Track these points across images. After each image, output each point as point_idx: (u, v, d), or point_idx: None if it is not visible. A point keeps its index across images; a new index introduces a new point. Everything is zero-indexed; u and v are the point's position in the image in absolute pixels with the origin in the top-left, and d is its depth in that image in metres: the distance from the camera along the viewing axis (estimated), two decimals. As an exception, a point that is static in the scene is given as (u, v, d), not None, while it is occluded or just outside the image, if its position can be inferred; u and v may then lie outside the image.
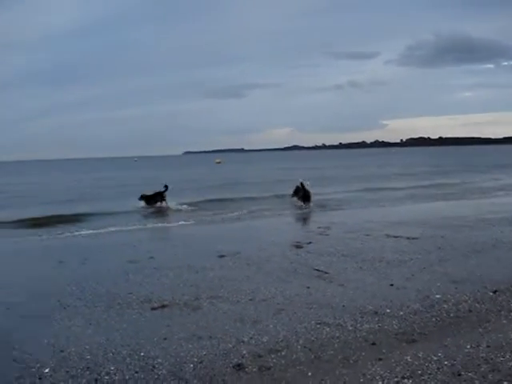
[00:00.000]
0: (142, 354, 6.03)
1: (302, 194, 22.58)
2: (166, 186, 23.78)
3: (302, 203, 22.34)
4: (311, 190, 22.78)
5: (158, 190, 23.91)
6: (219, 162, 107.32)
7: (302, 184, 22.83)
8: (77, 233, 16.58)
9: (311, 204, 22.27)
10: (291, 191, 23.29)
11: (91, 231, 16.79)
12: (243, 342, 6.28)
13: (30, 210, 23.54)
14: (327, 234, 14.09)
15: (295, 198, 22.88)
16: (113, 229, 17.14)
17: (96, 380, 5.39)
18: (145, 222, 19.08)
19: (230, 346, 6.17)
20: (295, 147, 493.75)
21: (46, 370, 5.68)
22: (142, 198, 23.76)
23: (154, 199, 23.67)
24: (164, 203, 23.61)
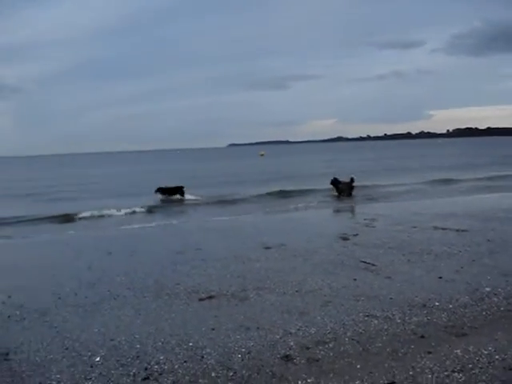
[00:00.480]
0: (191, 343, 6.10)
1: (342, 186, 22.72)
2: (182, 189, 24.97)
3: (340, 195, 22.46)
4: (354, 183, 22.85)
5: (177, 185, 25.07)
6: (263, 155, 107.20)
7: (351, 179, 23.16)
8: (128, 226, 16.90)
9: (351, 196, 22.32)
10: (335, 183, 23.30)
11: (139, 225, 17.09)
12: (290, 333, 6.29)
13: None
14: (374, 226, 13.97)
15: (334, 190, 22.98)
16: (162, 222, 17.39)
17: (146, 369, 5.48)
18: (191, 215, 19.24)
19: (278, 337, 6.19)
20: (339, 138, 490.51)
21: (97, 359, 5.79)
22: (159, 190, 24.88)
23: (172, 192, 24.73)
24: (183, 196, 24.68)
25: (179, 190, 24.66)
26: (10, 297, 8.35)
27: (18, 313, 7.55)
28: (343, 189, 23.03)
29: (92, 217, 19.79)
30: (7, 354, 6.01)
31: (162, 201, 24.31)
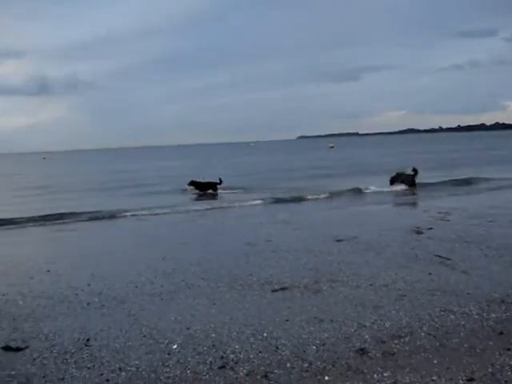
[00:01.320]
0: (265, 334, 6.15)
1: (405, 178, 22.44)
2: (221, 181, 25.07)
3: (404, 187, 22.15)
4: (417, 174, 22.57)
5: (212, 180, 25.34)
6: (332, 147, 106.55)
7: (414, 169, 22.94)
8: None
9: (415, 188, 22.03)
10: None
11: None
12: (365, 326, 6.25)
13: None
14: (448, 220, 13.66)
15: (395, 183, 22.69)
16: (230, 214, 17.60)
17: (222, 357, 5.56)
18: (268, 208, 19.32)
19: (352, 330, 6.16)
20: (411, 130, 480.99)
21: (174, 346, 5.92)
22: (192, 183, 25.28)
23: (205, 187, 25.09)
24: (215, 191, 24.92)
25: (213, 186, 25.02)
26: (89, 285, 8.63)
27: (96, 300, 7.80)
28: (406, 181, 22.68)
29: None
30: (88, 340, 6.22)
31: (199, 194, 24.70)
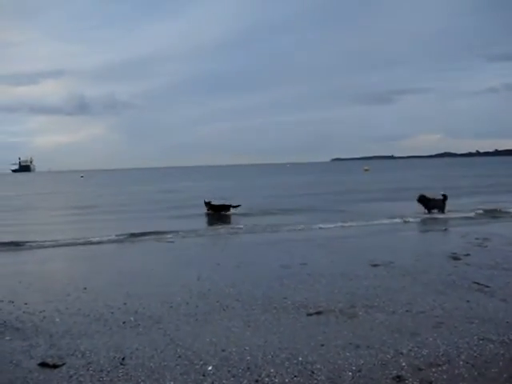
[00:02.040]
0: (300, 358, 6.11)
1: (434, 202, 22.33)
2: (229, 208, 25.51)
3: (430, 212, 21.97)
4: (446, 200, 22.68)
5: (226, 203, 25.89)
6: (367, 170, 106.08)
7: (444, 195, 22.83)
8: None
9: (443, 212, 21.83)
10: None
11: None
12: (402, 353, 6.17)
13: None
14: (486, 246, 13.45)
15: (423, 207, 22.51)
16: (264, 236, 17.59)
17: (257, 381, 5.54)
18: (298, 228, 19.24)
19: (389, 356, 6.09)
20: (446, 154, 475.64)
21: (209, 368, 5.92)
22: (207, 204, 25.84)
23: (220, 209, 25.61)
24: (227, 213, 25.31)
25: (226, 208, 25.53)
26: (125, 303, 8.70)
27: (132, 319, 7.86)
28: (436, 206, 22.48)
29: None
30: (123, 359, 6.26)
31: (212, 214, 25.13)
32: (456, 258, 11.77)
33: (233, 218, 23.47)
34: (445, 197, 22.72)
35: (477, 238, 14.68)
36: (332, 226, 19.40)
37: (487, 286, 9.14)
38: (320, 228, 18.89)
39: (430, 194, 23.36)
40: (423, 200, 22.75)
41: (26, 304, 8.82)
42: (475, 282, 9.42)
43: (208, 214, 25.16)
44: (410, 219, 20.72)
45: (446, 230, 18.00)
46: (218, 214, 25.09)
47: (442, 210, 22.38)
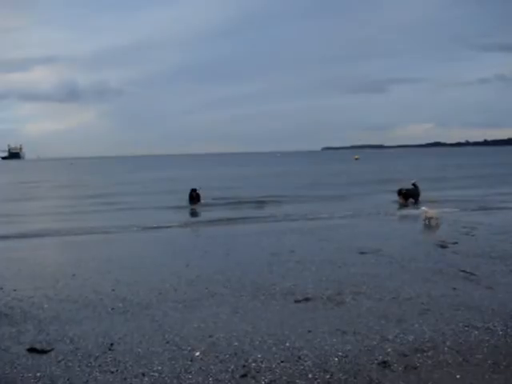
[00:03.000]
0: (288, 344, 6.16)
1: (408, 192, 22.53)
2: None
3: (404, 201, 22.08)
4: (418, 189, 23.14)
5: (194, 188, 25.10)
6: (357, 159, 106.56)
7: (414, 184, 23.27)
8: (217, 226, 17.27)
9: (417, 202, 22.18)
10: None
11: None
12: (388, 339, 6.23)
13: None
14: (473, 235, 13.55)
15: (401, 199, 22.65)
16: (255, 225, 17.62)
17: (244, 366, 5.59)
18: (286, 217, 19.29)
19: (375, 342, 6.15)
20: (437, 144, 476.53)
21: (197, 354, 5.96)
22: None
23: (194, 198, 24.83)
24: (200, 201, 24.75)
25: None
26: (113, 290, 8.73)
27: (121, 305, 7.89)
28: (413, 196, 22.65)
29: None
30: (112, 345, 6.30)
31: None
32: (443, 247, 11.86)
33: (216, 208, 23.30)
34: (415, 186, 23.02)
35: (464, 227, 14.78)
36: (320, 215, 19.44)
37: (474, 274, 9.22)
38: (309, 218, 18.87)
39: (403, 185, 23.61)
40: (402, 192, 22.92)
41: (14, 290, 8.82)
42: (462, 270, 9.50)
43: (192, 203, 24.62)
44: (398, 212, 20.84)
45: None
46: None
47: (417, 198, 22.53)
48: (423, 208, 16.91)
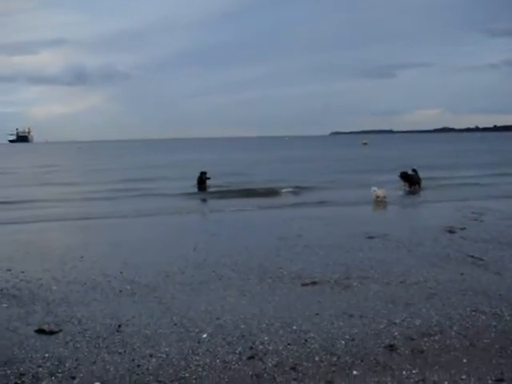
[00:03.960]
0: (295, 327, 6.19)
1: (416, 179, 22.44)
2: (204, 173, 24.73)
3: (408, 188, 21.94)
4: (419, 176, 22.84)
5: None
6: (366, 144, 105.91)
7: (414, 170, 22.98)
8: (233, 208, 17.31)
9: (419, 188, 21.91)
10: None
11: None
12: (395, 323, 6.24)
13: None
14: (482, 220, 13.50)
15: (405, 184, 22.51)
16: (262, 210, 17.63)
17: (251, 348, 5.62)
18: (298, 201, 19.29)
19: (382, 326, 6.16)
20: (446, 129, 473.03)
21: (204, 335, 6.00)
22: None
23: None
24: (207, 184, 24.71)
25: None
26: (121, 272, 8.77)
27: (128, 287, 7.93)
28: (417, 182, 22.53)
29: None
30: (119, 326, 6.34)
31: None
32: (451, 232, 11.83)
33: (224, 194, 23.25)
34: (415, 171, 22.96)
35: (473, 213, 14.72)
36: (329, 200, 19.43)
37: (482, 260, 9.20)
38: (319, 204, 18.82)
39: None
40: (405, 177, 22.80)
41: (23, 272, 8.88)
42: (470, 256, 9.48)
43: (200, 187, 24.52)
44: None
45: (443, 203, 17.98)
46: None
47: (419, 184, 22.46)
48: (373, 188, 18.20)
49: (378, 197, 17.87)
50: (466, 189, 22.19)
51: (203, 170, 25.08)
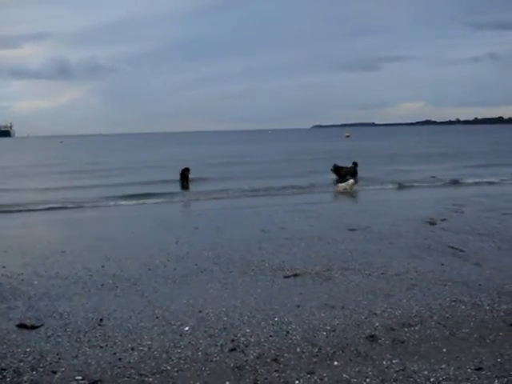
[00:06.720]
0: (276, 319, 6.22)
1: (346, 170, 22.79)
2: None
3: (341, 180, 22.07)
4: (357, 167, 23.55)
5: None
6: (348, 136, 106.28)
7: (354, 163, 23.76)
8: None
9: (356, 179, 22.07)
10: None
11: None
12: (376, 314, 6.30)
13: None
14: (462, 212, 13.62)
15: (334, 175, 22.80)
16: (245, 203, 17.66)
17: (232, 340, 5.64)
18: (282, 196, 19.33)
19: (363, 317, 6.21)
20: (428, 122, 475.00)
21: (186, 328, 6.01)
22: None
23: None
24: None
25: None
26: (103, 266, 8.74)
27: (110, 281, 7.91)
28: (348, 173, 22.69)
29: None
30: (101, 320, 6.32)
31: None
32: (432, 223, 11.93)
33: (207, 187, 23.19)
34: (355, 164, 23.35)
35: (454, 204, 14.84)
36: (312, 192, 19.50)
37: (462, 251, 9.29)
38: (300, 195, 18.90)
39: (341, 163, 23.85)
40: (336, 169, 23.03)
41: (4, 267, 8.81)
42: (450, 247, 9.57)
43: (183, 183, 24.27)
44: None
45: (424, 195, 18.10)
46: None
47: (354, 176, 22.54)
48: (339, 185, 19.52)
49: (343, 188, 19.22)
50: (446, 179, 22.31)
51: (186, 166, 25.02)
